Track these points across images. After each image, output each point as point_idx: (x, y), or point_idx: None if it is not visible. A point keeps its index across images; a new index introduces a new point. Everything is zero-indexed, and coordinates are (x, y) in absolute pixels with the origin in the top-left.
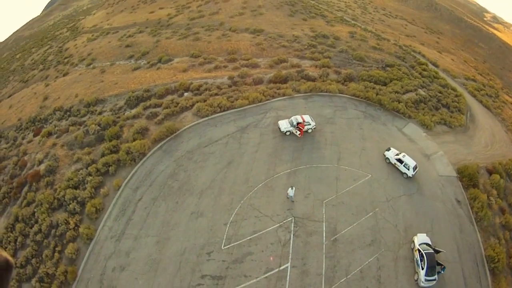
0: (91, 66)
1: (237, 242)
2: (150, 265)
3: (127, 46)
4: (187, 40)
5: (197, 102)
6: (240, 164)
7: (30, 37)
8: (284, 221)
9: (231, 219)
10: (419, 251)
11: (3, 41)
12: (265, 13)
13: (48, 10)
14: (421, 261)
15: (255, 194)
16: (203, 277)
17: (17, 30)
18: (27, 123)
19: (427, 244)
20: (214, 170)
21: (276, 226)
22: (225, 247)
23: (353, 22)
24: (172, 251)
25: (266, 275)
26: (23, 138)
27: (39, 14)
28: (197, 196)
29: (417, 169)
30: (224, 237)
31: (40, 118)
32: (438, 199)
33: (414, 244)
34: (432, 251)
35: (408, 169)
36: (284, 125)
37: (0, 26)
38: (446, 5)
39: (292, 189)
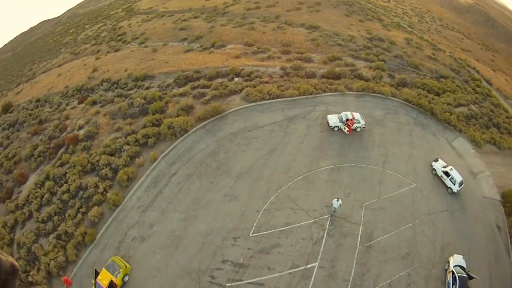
0: (144, 45)
1: (267, 232)
2: (172, 240)
3: (181, 29)
4: (242, 29)
5: (247, 87)
6: (283, 153)
7: (85, 14)
8: (320, 218)
9: (265, 207)
10: (453, 273)
11: (57, 17)
12: (322, 10)
13: None
14: (453, 284)
15: (294, 185)
16: (224, 262)
17: (71, 8)
18: (73, 91)
19: (462, 267)
20: (256, 156)
21: (310, 221)
22: (253, 235)
23: (409, 29)
24: (197, 231)
25: (290, 271)
26: (67, 105)
27: None
28: (234, 179)
29: (462, 186)
30: (254, 225)
31: (87, 88)
32: (479, 221)
33: (449, 265)
34: (466, 275)
35: (454, 184)
36: (333, 120)
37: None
38: (503, 22)
39: (337, 200)
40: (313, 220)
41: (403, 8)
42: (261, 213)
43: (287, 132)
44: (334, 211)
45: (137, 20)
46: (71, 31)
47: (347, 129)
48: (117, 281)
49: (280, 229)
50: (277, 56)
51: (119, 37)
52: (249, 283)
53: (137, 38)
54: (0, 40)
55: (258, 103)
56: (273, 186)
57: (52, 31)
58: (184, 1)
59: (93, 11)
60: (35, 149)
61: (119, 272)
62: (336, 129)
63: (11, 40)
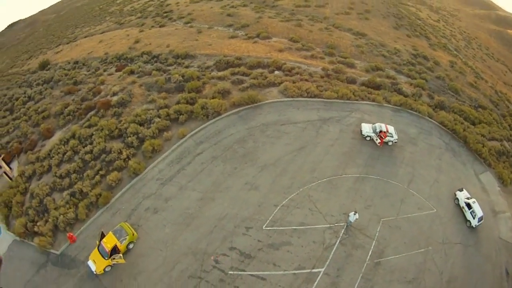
0: (189, 24)
1: (280, 228)
2: (185, 218)
3: (229, 15)
4: (289, 24)
5: (286, 81)
6: (312, 152)
7: None
8: (336, 224)
9: (283, 202)
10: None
11: None
12: (371, 19)
13: None
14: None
15: (316, 187)
16: (231, 249)
17: None
18: (112, 58)
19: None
20: (284, 150)
21: (326, 226)
22: (266, 228)
23: (455, 52)
24: (212, 213)
25: (295, 271)
26: (104, 70)
27: None
28: (258, 169)
29: (481, 221)
30: (270, 218)
31: (126, 57)
32: (490, 261)
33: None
34: None
35: (474, 218)
36: (366, 129)
37: None
38: None
39: (354, 214)
40: (329, 225)
41: (451, 30)
42: (278, 208)
43: (319, 133)
44: (349, 224)
45: (185, 0)
46: (118, 1)
47: (379, 140)
48: (121, 246)
49: (294, 227)
50: (320, 57)
51: (165, 14)
52: (251, 275)
53: (183, 17)
54: (46, 1)
55: (295, 99)
56: (296, 183)
57: None
58: None
59: None
60: (65, 108)
61: (125, 239)
62: (368, 138)
63: (56, 3)
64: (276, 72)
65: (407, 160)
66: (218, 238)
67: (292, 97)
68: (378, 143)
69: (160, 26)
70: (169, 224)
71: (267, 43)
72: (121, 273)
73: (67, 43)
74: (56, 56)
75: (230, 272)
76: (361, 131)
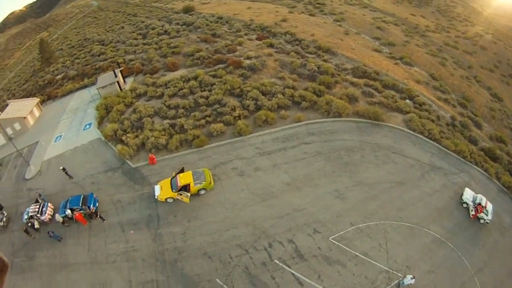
0: (338, 23)
1: (344, 247)
2: (264, 193)
3: (378, 28)
4: (433, 59)
5: (413, 113)
6: (408, 192)
7: None
8: (394, 272)
9: (360, 225)
10: None
11: None
12: None
13: None
14: None
15: (397, 226)
16: (290, 241)
17: None
18: (256, 26)
19: None
20: (385, 177)
21: (384, 268)
22: (331, 240)
23: None
24: (291, 201)
25: None
26: (245, 34)
27: None
28: (353, 183)
29: None
30: (340, 233)
31: (270, 30)
32: None
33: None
34: None
35: None
36: (468, 195)
37: None
38: None
39: (412, 279)
40: (387, 269)
41: None
42: (353, 227)
43: (424, 177)
44: (402, 284)
45: None
46: None
47: (473, 212)
48: (193, 188)
49: (357, 253)
50: (453, 104)
51: (318, 5)
52: (293, 273)
53: (334, 14)
54: None
55: (415, 133)
56: (380, 213)
57: None
58: (389, 4)
59: None
60: (197, 52)
61: (200, 183)
62: (464, 205)
63: None
64: (407, 101)
65: (488, 247)
66: (283, 226)
67: (413, 130)
68: (472, 215)
69: (310, 15)
70: (247, 191)
71: (407, 69)
72: (179, 210)
73: None
74: (202, 6)
75: (275, 261)
76: (462, 194)
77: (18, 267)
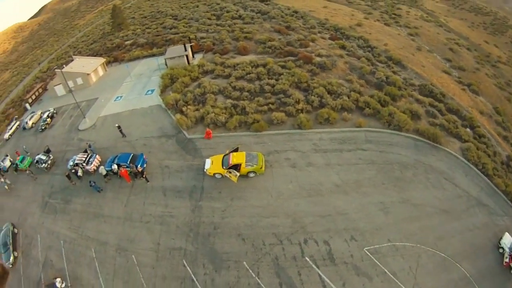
0: (411, 37)
1: (377, 262)
2: (312, 188)
3: (450, 49)
4: (500, 92)
5: (472, 143)
6: (449, 222)
7: None
8: None
9: (397, 243)
10: None
11: None
12: None
13: None
14: None
15: (432, 254)
16: (325, 243)
17: None
18: (330, 26)
19: None
20: (431, 201)
21: None
22: (366, 251)
23: None
24: (336, 203)
25: None
26: (319, 32)
27: None
28: (400, 199)
29: None
30: (375, 246)
31: (343, 32)
32: None
33: None
34: None
35: None
36: (506, 240)
37: None
38: None
39: None
40: None
41: None
42: (389, 244)
43: (467, 210)
44: None
45: (416, 13)
46: None
47: (507, 260)
48: (243, 169)
49: (386, 271)
50: None
51: (393, 15)
52: (319, 275)
53: (409, 27)
54: None
55: (469, 164)
56: (419, 236)
57: None
58: (464, 27)
59: None
60: (269, 41)
61: (252, 166)
62: (501, 250)
63: None
64: (468, 129)
65: None
66: (323, 225)
67: (468, 160)
68: (505, 262)
69: (385, 24)
70: (295, 183)
71: (473, 97)
72: (224, 187)
73: None
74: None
75: (306, 258)
76: (501, 238)
77: (52, 207)
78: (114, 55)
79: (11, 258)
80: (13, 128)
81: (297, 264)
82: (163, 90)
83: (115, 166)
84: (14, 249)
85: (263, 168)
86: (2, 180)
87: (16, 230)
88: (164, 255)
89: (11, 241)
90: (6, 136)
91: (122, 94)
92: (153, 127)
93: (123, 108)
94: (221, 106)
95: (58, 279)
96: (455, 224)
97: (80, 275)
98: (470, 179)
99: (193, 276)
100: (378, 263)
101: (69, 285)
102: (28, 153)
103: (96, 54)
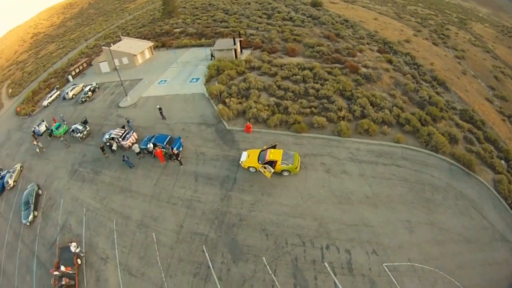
0: (458, 60)
1: (393, 279)
2: (342, 195)
3: (495, 77)
4: None
5: (504, 175)
6: (471, 253)
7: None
8: None
9: (415, 264)
10: None
11: None
12: None
13: None
14: None
15: (449, 282)
16: (347, 251)
17: None
18: (379, 38)
19: None
20: (457, 229)
21: None
22: (385, 266)
23: None
24: (364, 214)
25: None
26: (367, 43)
27: None
28: (427, 221)
29: None
30: (394, 264)
31: (391, 46)
32: None
33: None
34: None
35: None
36: None
37: None
38: None
39: None
40: None
41: None
42: (409, 263)
43: (490, 244)
44: None
45: (464, 35)
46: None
47: None
48: (278, 167)
49: None
50: None
51: (442, 36)
52: (335, 282)
53: (456, 49)
54: None
55: (499, 196)
56: (439, 262)
57: None
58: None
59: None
60: (318, 46)
61: (287, 164)
62: None
63: None
64: (502, 162)
65: None
66: (347, 234)
67: (499, 192)
68: None
69: (433, 43)
70: (327, 188)
71: None
72: (256, 181)
73: (345, 1)
74: (330, 5)
75: (325, 263)
76: None
77: (80, 176)
78: (162, 40)
79: (30, 216)
80: (53, 96)
81: (315, 268)
82: (208, 80)
83: (150, 145)
84: (35, 209)
85: (298, 169)
86: (35, 143)
87: (40, 192)
88: (185, 238)
89: (33, 200)
90: (45, 103)
91: (166, 79)
92: (193, 113)
93: (166, 91)
94: (264, 103)
95: (74, 243)
96: (476, 255)
97: (96, 243)
98: (498, 212)
99: (210, 263)
100: (395, 281)
101: (84, 251)
102: (65, 122)
103: (144, 37)
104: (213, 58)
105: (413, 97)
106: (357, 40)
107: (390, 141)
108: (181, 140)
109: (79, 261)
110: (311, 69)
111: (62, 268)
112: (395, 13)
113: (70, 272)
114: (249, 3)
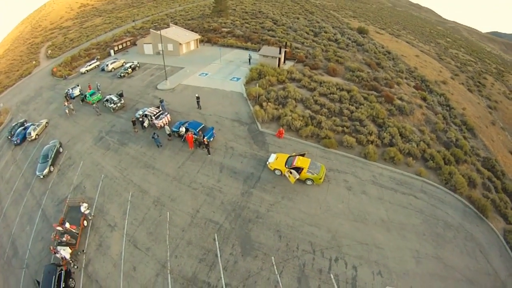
0: (490, 109)
1: None
2: (359, 215)
3: None
4: None
5: None
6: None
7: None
8: None
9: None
10: None
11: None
12: None
13: None
14: None
15: None
16: (354, 267)
17: None
18: (417, 75)
19: None
20: (462, 269)
21: None
22: None
23: None
24: (374, 234)
25: None
26: (405, 78)
27: None
28: (434, 254)
29: None
30: (397, 284)
31: (428, 85)
32: None
33: None
34: None
35: None
36: None
37: None
38: None
39: None
40: None
41: None
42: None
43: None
44: None
45: (500, 87)
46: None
47: None
48: (303, 174)
49: None
50: None
51: (478, 83)
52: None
53: (489, 99)
54: None
55: (507, 246)
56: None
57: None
58: None
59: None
60: (359, 71)
61: (312, 174)
62: None
63: None
64: None
65: None
66: (357, 251)
67: (507, 242)
68: None
69: (468, 89)
70: (346, 205)
71: None
72: (279, 184)
73: (390, 33)
74: (375, 34)
75: (331, 275)
76: None
77: (105, 143)
78: (208, 36)
79: (46, 170)
80: (92, 66)
81: (321, 278)
82: (248, 82)
83: (183, 129)
84: (52, 164)
85: (322, 180)
86: (66, 103)
87: (61, 150)
88: (199, 223)
89: (53, 155)
90: (83, 70)
91: (208, 72)
92: (229, 110)
93: (206, 84)
94: (300, 113)
95: (85, 204)
96: None
97: (107, 210)
98: (504, 261)
99: (218, 252)
100: None
101: (92, 214)
102: (100, 91)
103: (191, 30)
104: (250, 61)
105: (440, 137)
106: (396, 72)
107: (413, 173)
108: (213, 131)
109: (85, 222)
110: (348, 91)
111: (67, 225)
112: (436, 54)
113: (74, 230)
114: (298, 18)
